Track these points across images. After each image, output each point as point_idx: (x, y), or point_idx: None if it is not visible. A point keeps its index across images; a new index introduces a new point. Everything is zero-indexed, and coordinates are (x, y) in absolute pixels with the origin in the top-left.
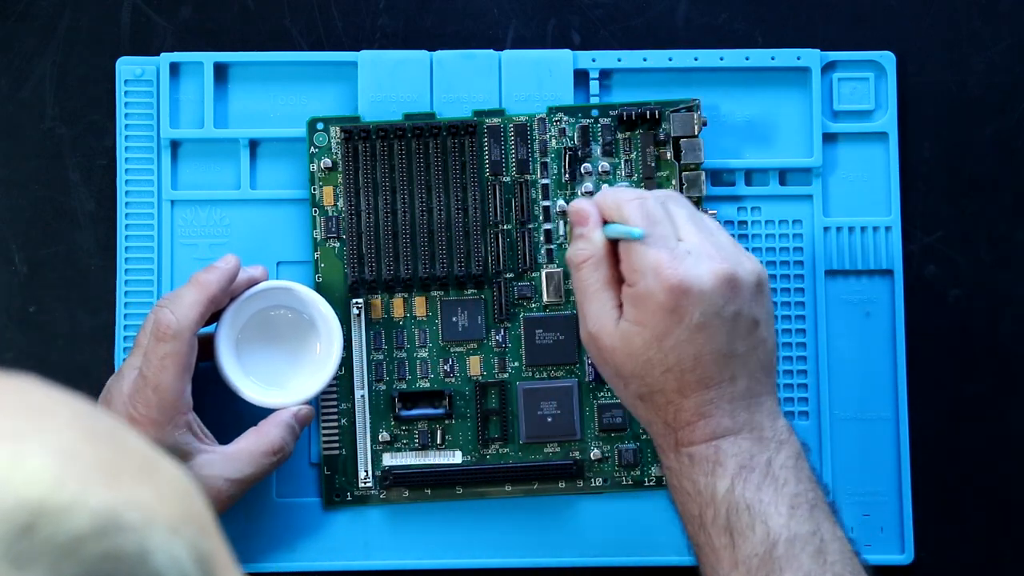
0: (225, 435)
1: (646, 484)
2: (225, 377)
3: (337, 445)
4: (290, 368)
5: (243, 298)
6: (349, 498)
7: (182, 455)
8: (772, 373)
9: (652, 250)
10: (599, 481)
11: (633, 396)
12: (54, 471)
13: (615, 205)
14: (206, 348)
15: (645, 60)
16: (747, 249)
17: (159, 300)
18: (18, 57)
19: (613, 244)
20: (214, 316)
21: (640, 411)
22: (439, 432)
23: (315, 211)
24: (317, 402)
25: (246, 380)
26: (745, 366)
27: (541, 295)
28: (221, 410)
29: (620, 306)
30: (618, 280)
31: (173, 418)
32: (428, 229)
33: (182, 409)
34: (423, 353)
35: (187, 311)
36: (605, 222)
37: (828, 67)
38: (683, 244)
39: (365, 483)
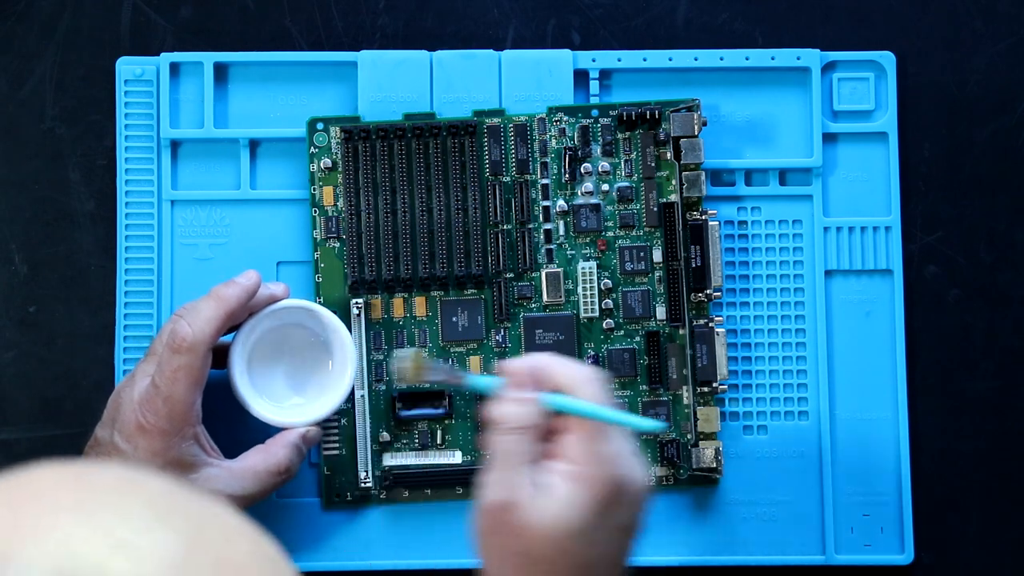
0: (231, 449)
1: None
2: (237, 393)
3: (337, 445)
4: (301, 388)
5: (262, 314)
6: (349, 498)
7: (188, 467)
8: None
9: (618, 440)
10: None
11: None
12: None
13: (568, 379)
14: (219, 356)
15: (645, 60)
16: (747, 250)
17: (177, 310)
18: (18, 57)
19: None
20: (231, 328)
21: None
22: (439, 432)
23: (315, 211)
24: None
25: (257, 397)
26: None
27: (541, 295)
28: (229, 424)
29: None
30: (540, 455)
31: (181, 429)
32: (428, 229)
33: (191, 421)
34: (423, 353)
35: (204, 325)
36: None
37: (828, 67)
38: (626, 440)
39: (365, 483)
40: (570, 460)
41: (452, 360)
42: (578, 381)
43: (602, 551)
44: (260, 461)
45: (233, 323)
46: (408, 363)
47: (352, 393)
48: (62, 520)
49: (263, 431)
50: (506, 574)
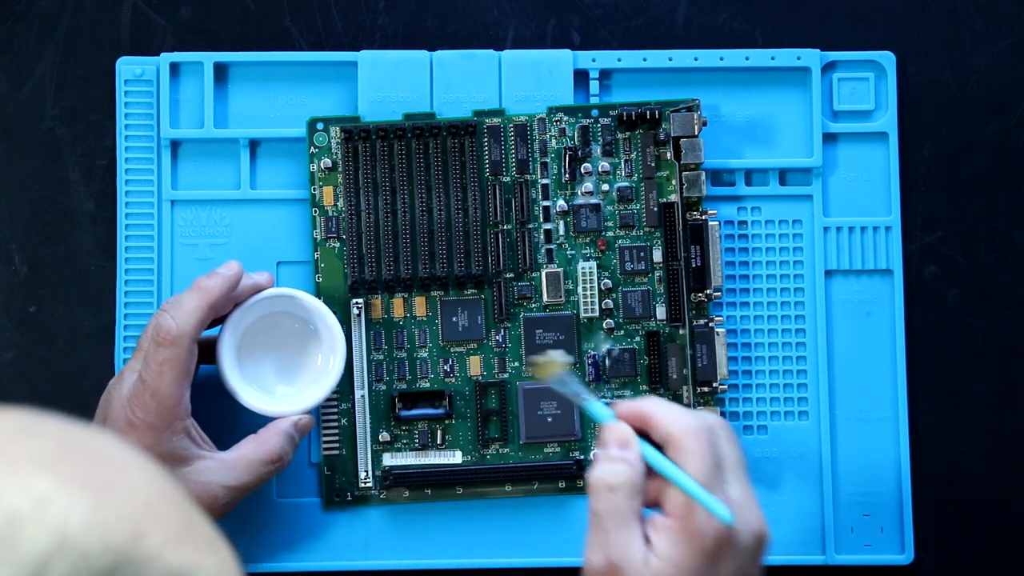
0: (224, 441)
1: None
2: (226, 383)
3: (337, 445)
4: (292, 376)
5: (247, 304)
6: (349, 498)
7: (179, 460)
8: None
9: (726, 488)
10: None
11: None
12: (139, 523)
13: (680, 434)
14: (209, 351)
15: (645, 60)
16: (747, 250)
17: (161, 304)
18: (18, 57)
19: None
20: (218, 320)
21: None
22: (439, 432)
23: (315, 211)
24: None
25: (247, 387)
26: None
27: (541, 295)
28: (220, 416)
29: (646, 539)
30: (641, 509)
31: (171, 424)
32: (428, 229)
33: (180, 415)
34: (423, 353)
35: (187, 317)
36: (641, 434)
37: (828, 67)
38: (730, 489)
39: (365, 483)
40: (672, 515)
41: (452, 360)
42: (680, 435)
43: None
44: (253, 451)
45: (217, 314)
46: (543, 362)
47: (352, 393)
48: None
49: (255, 421)
50: None
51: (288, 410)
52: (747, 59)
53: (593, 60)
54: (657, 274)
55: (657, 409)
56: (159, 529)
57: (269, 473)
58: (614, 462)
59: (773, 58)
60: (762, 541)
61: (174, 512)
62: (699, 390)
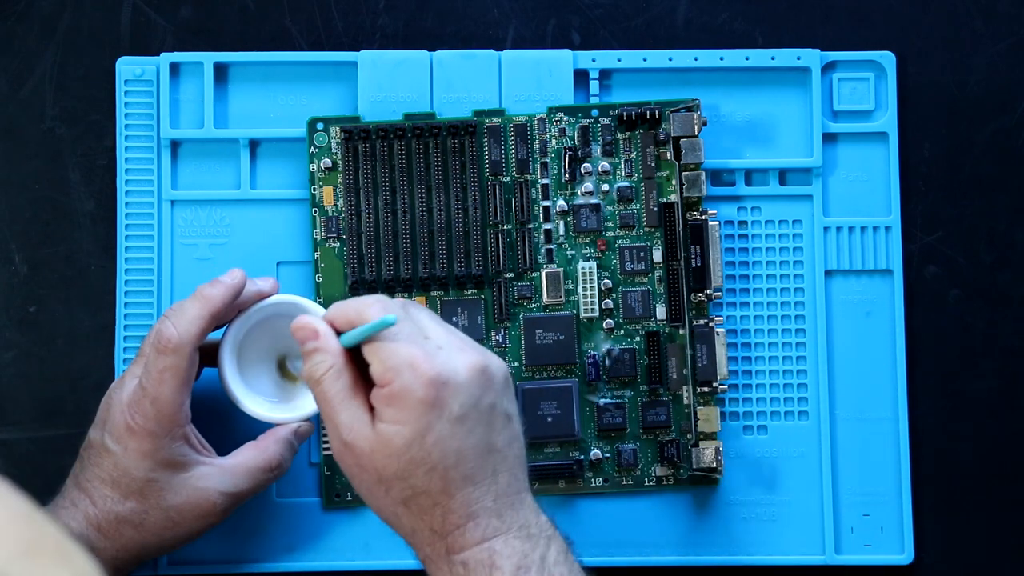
0: (223, 446)
1: (646, 484)
2: (228, 390)
3: None
4: (292, 384)
5: (251, 311)
6: (349, 498)
7: (178, 467)
8: (526, 469)
9: (404, 346)
10: (599, 481)
11: (396, 502)
12: None
13: (355, 312)
14: (211, 354)
15: (645, 60)
16: (747, 250)
17: (164, 311)
18: (18, 57)
19: (351, 352)
20: (221, 324)
21: (404, 519)
22: None
23: (315, 211)
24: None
25: (248, 394)
26: (504, 461)
27: (541, 295)
28: (220, 421)
29: (371, 410)
30: (362, 386)
31: (170, 430)
32: (428, 229)
33: (180, 421)
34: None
35: (189, 325)
36: (338, 333)
37: (828, 67)
38: (431, 340)
39: None
40: (381, 382)
41: None
42: (354, 315)
43: (450, 447)
44: (252, 458)
45: (220, 322)
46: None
47: None
48: None
49: (255, 427)
50: (379, 504)
51: (289, 417)
52: (747, 59)
53: (593, 60)
54: (657, 274)
55: (333, 313)
56: (2, 548)
57: (268, 480)
58: (311, 355)
59: (773, 58)
60: (486, 372)
61: (21, 530)
62: (699, 390)
